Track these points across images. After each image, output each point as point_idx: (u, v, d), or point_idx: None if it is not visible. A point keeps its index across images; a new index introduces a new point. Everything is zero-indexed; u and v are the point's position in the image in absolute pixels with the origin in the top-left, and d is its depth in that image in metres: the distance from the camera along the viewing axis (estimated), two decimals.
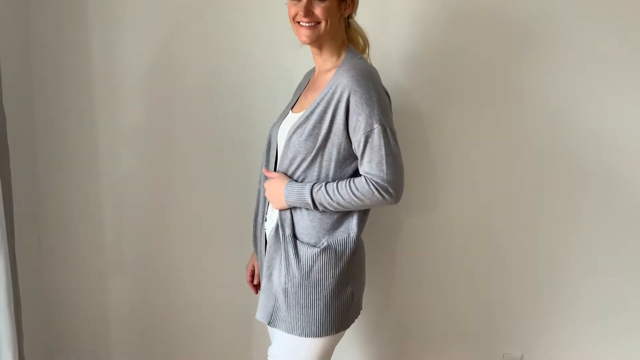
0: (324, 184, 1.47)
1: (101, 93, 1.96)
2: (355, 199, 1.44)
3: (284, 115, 1.62)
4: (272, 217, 1.59)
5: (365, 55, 1.61)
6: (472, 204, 1.97)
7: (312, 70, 1.69)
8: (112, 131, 1.99)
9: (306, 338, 1.49)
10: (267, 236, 1.60)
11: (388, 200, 1.44)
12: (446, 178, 1.95)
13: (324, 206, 1.47)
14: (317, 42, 1.49)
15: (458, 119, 1.92)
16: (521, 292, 2.01)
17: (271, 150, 1.61)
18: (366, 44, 1.61)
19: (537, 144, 1.92)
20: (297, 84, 1.76)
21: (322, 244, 1.50)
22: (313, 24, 1.46)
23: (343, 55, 1.53)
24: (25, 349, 1.77)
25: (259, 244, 1.67)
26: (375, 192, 1.42)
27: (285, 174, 1.52)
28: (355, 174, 1.50)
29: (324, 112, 1.45)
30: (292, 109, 1.61)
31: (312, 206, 1.47)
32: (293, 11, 1.47)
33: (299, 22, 1.47)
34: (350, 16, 1.56)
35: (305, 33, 1.47)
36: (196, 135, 1.97)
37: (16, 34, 1.89)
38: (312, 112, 1.47)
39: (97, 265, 2.06)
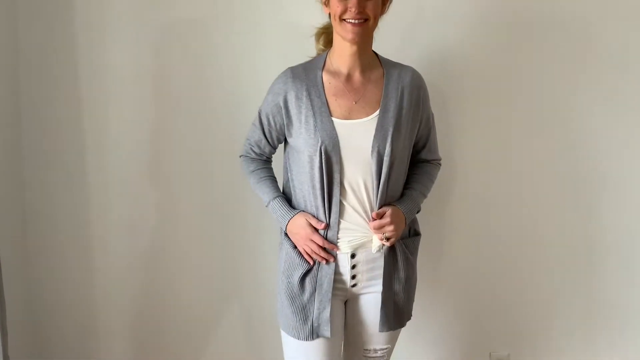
0: (414, 188, 1.59)
1: (89, 94, 1.95)
2: (430, 182, 1.67)
3: (323, 123, 1.46)
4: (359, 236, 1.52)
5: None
6: (463, 204, 1.98)
7: (303, 72, 1.52)
8: (99, 132, 1.97)
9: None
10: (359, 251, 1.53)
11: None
12: (442, 177, 1.95)
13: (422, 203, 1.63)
14: (363, 40, 1.45)
15: (466, 119, 1.94)
16: (508, 291, 2.02)
17: (334, 165, 1.46)
18: None
19: (537, 145, 1.94)
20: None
21: (412, 231, 1.65)
22: (363, 20, 1.41)
23: (372, 53, 1.54)
24: (9, 349, 1.76)
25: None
26: (438, 167, 1.70)
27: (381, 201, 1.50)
28: None
29: (412, 110, 1.51)
30: (330, 115, 1.47)
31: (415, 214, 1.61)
32: (340, 8, 1.41)
33: (345, 20, 1.42)
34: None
35: (354, 30, 1.41)
36: (185, 137, 1.96)
37: (4, 37, 1.88)
38: (399, 114, 1.48)
39: (84, 265, 2.04)
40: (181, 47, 1.91)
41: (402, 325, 1.62)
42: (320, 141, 1.44)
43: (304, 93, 1.49)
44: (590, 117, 1.92)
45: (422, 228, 1.93)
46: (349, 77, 1.50)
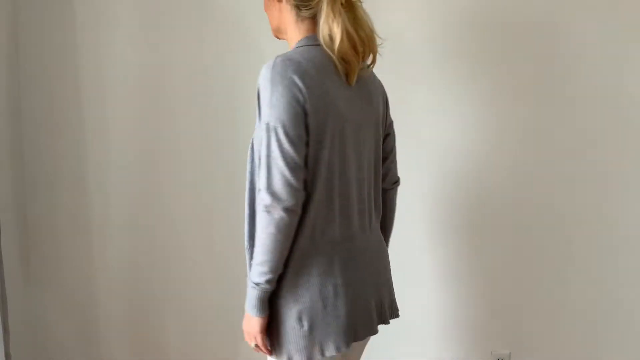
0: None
1: (89, 94, 1.96)
2: (262, 235, 1.22)
3: None
4: None
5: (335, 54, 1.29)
6: (461, 202, 1.98)
7: None
8: (100, 131, 1.98)
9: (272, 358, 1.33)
10: None
11: (270, 209, 1.19)
12: (445, 176, 1.97)
13: (262, 274, 1.25)
14: (278, 36, 1.43)
15: (459, 116, 1.93)
16: (510, 290, 2.02)
17: None
18: (331, 40, 1.27)
19: (540, 145, 1.94)
20: None
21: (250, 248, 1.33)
22: None
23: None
24: (11, 346, 1.76)
25: None
26: (261, 207, 1.21)
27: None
28: None
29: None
30: None
31: (262, 287, 1.26)
32: None
33: None
34: (305, 5, 1.31)
35: None
36: (186, 136, 1.97)
37: (4, 37, 1.89)
38: None
39: (85, 263, 2.06)
40: (182, 45, 1.92)
41: None
42: None
43: None
44: (589, 116, 1.93)
45: (423, 227, 1.94)
46: None
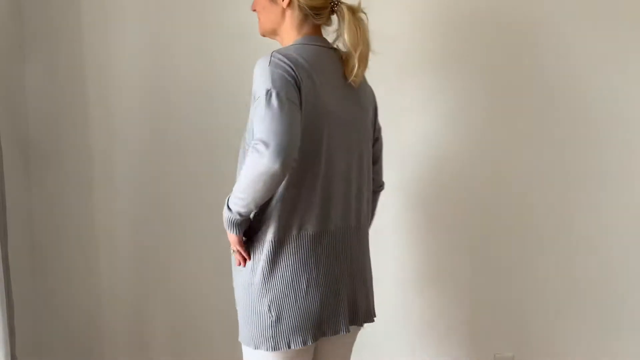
0: None
1: (95, 93, 1.98)
2: (243, 175, 1.22)
3: None
4: None
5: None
6: (463, 203, 1.98)
7: None
8: (105, 131, 2.00)
9: (244, 346, 1.37)
10: None
11: (264, 157, 1.16)
12: (443, 177, 1.97)
13: (236, 206, 1.26)
14: (269, 36, 1.46)
15: (466, 117, 1.95)
16: (513, 292, 2.01)
17: None
18: (356, 44, 1.34)
19: (541, 144, 1.95)
20: None
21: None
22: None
23: None
24: (17, 348, 1.78)
25: None
26: (253, 151, 1.18)
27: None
28: None
29: None
30: None
31: (233, 216, 1.28)
32: None
33: None
34: (303, 9, 1.37)
35: None
36: (190, 135, 1.99)
37: (9, 37, 1.92)
38: None
39: (90, 264, 2.07)
40: (185, 45, 1.94)
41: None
42: None
43: None
44: (590, 115, 1.93)
45: (424, 228, 1.95)
46: None
